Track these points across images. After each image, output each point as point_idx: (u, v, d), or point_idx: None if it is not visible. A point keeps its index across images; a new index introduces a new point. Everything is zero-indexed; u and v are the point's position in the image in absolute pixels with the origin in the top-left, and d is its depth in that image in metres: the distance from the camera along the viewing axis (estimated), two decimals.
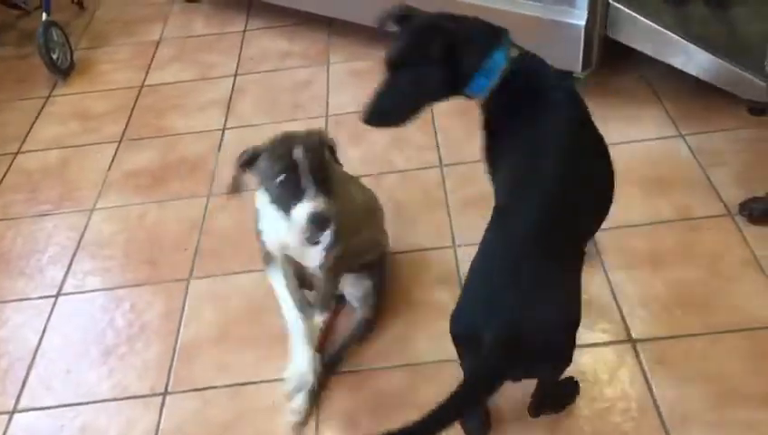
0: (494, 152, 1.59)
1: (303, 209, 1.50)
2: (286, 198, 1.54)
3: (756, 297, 1.85)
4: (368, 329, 1.91)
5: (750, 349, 1.73)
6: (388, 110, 1.57)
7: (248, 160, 1.62)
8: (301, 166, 1.51)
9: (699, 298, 1.86)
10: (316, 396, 1.77)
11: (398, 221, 2.15)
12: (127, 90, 2.99)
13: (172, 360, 1.94)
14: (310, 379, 1.75)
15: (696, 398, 1.66)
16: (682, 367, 1.72)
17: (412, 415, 1.25)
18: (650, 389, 1.69)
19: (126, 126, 2.80)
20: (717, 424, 1.61)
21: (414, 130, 2.52)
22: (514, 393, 1.63)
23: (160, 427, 1.79)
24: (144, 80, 3.04)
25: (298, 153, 1.52)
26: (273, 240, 1.73)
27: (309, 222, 1.50)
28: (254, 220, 1.77)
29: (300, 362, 1.76)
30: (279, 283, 1.78)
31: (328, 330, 1.93)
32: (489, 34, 1.54)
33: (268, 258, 1.78)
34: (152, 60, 3.15)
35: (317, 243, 1.60)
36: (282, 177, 1.52)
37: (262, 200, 1.68)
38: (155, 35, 3.31)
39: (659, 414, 1.64)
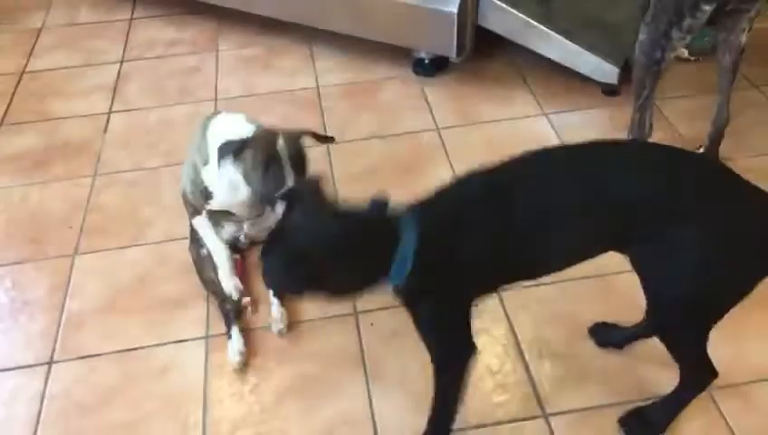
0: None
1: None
2: (271, 187, 1.73)
3: None
4: None
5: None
6: None
7: (236, 151, 1.76)
8: (283, 157, 1.72)
9: None
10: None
11: None
12: (6, 76, 2.93)
13: (57, 331, 1.94)
14: (234, 298, 1.91)
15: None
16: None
17: None
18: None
19: (5, 112, 2.74)
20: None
21: (302, 112, 2.63)
22: None
23: (46, 393, 1.79)
24: (25, 66, 2.98)
25: (281, 145, 1.73)
26: (220, 206, 1.95)
27: None
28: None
29: (227, 285, 1.93)
30: (206, 225, 1.99)
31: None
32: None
33: (196, 213, 1.99)
34: (34, 47, 3.10)
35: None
36: (266, 167, 1.73)
37: (221, 175, 1.85)
38: (37, 23, 3.25)
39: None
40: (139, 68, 2.94)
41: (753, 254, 1.34)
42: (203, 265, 2.00)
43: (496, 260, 1.40)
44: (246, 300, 1.93)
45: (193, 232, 2.06)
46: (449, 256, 1.37)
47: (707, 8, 1.88)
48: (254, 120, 1.95)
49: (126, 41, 3.10)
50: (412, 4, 2.61)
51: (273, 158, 1.75)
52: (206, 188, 1.95)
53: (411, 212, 1.38)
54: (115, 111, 2.72)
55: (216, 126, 1.95)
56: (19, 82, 2.89)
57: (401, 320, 1.88)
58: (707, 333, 1.45)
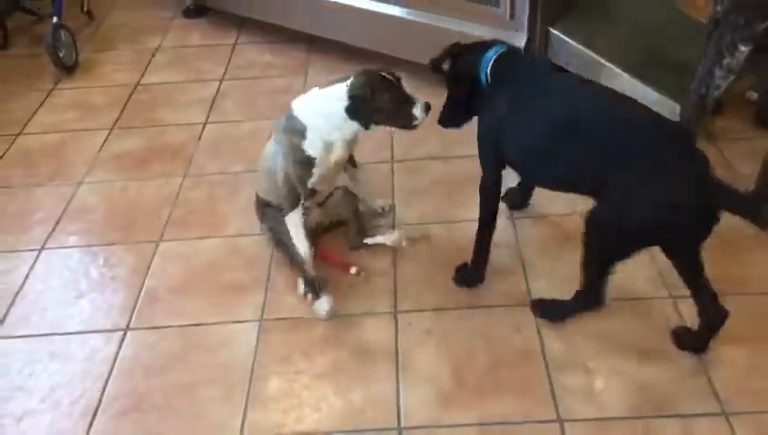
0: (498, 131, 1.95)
1: (420, 107, 2.03)
2: (402, 106, 2.04)
3: None
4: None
5: None
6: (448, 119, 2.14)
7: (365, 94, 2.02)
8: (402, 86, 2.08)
9: None
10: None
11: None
12: (123, 87, 3.32)
13: (135, 304, 2.21)
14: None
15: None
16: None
17: None
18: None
19: (119, 116, 3.12)
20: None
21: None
22: None
23: (119, 355, 2.05)
24: (139, 80, 3.37)
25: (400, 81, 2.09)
26: (324, 157, 2.12)
27: (425, 111, 2.03)
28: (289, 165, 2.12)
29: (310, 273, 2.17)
30: (297, 222, 2.16)
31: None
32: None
33: (296, 202, 2.16)
34: (149, 64, 3.49)
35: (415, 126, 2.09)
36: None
37: (317, 134, 2.09)
38: (154, 44, 3.66)
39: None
40: (235, 86, 3.26)
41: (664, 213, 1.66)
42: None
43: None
44: (355, 269, 2.22)
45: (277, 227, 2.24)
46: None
47: (744, 49, 1.96)
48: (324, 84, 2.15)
49: (228, 62, 3.44)
50: (476, 35, 2.78)
51: (397, 86, 2.06)
52: (308, 157, 2.08)
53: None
54: (210, 122, 3.03)
55: (301, 107, 2.13)
56: (132, 93, 3.27)
57: (437, 322, 2.05)
58: (605, 266, 1.81)
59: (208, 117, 3.06)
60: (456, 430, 1.79)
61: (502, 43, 2.02)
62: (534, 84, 1.91)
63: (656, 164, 1.66)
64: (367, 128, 2.06)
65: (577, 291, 1.92)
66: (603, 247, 1.80)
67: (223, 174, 2.72)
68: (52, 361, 2.06)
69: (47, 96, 3.30)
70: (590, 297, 1.90)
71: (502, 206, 2.42)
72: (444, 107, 2.15)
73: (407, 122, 2.05)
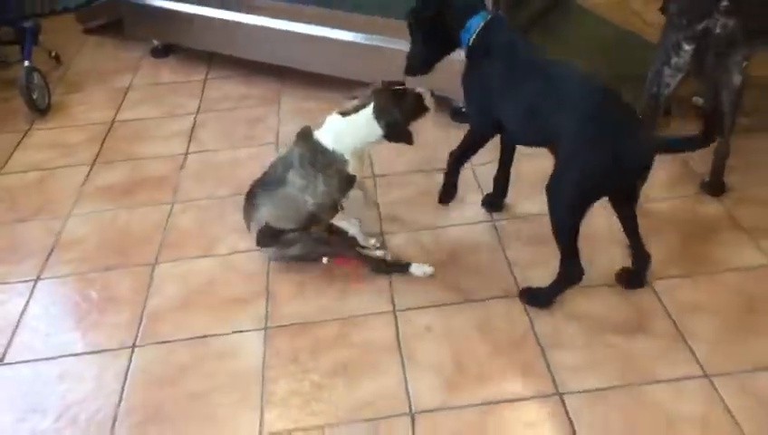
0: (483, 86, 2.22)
1: (427, 96, 2.29)
2: (418, 105, 2.28)
3: None
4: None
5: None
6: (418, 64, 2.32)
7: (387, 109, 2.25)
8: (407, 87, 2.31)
9: None
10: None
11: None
12: (100, 125, 3.39)
13: (140, 322, 2.27)
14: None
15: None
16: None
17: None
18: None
19: (98, 152, 3.18)
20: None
21: None
22: None
23: (130, 370, 2.11)
24: (115, 117, 3.45)
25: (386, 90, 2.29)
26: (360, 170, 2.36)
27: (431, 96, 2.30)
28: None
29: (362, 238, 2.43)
30: (344, 219, 2.42)
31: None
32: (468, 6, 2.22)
33: (336, 210, 2.37)
34: (122, 101, 3.57)
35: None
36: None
37: (356, 157, 2.31)
38: (125, 83, 3.74)
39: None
40: (212, 118, 3.37)
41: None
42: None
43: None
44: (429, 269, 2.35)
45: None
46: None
47: (687, 48, 2.20)
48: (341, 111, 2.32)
49: (201, 96, 3.55)
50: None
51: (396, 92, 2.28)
52: (352, 177, 2.31)
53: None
54: (191, 153, 3.12)
55: (335, 140, 2.28)
56: (110, 130, 3.35)
57: (435, 317, 2.18)
58: (574, 225, 2.02)
59: (188, 148, 3.15)
60: (464, 410, 1.90)
61: (483, 8, 2.25)
62: (517, 58, 2.16)
63: (602, 118, 1.95)
64: (409, 143, 2.30)
65: (559, 269, 2.10)
66: (567, 204, 2.02)
67: (210, 199, 2.81)
68: (63, 382, 2.10)
69: (23, 137, 3.34)
70: (571, 268, 2.08)
71: (482, 210, 2.59)
72: (412, 57, 2.33)
73: (422, 114, 2.30)
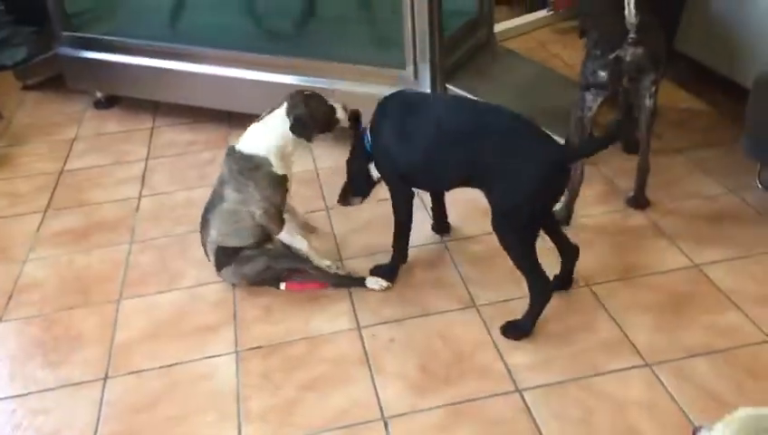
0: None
1: (340, 108, 2.47)
2: (329, 114, 2.45)
3: None
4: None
5: None
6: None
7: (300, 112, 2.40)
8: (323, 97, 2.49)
9: None
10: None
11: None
12: (48, 175, 3.42)
13: (109, 355, 2.31)
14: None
15: None
16: None
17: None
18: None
19: (50, 200, 3.21)
20: None
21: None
22: None
23: (104, 401, 2.15)
24: (63, 167, 3.49)
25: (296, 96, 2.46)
26: (289, 170, 2.49)
27: (344, 111, 2.47)
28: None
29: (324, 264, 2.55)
30: (292, 232, 2.53)
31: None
32: None
33: (282, 220, 2.49)
34: (69, 152, 3.62)
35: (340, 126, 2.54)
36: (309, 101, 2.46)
37: (278, 156, 2.43)
38: (71, 134, 3.79)
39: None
40: (162, 163, 3.46)
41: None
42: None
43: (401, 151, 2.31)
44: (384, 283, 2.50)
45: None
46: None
47: (603, 74, 2.48)
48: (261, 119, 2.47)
49: (149, 143, 3.64)
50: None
51: (311, 95, 2.45)
52: (281, 177, 2.43)
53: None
54: (144, 196, 3.20)
55: (252, 145, 2.43)
56: (59, 179, 3.38)
57: (398, 330, 2.31)
58: (531, 244, 2.16)
59: (141, 192, 3.23)
60: (432, 411, 2.03)
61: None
62: (404, 115, 2.32)
63: (528, 145, 2.12)
64: (309, 141, 2.43)
65: (530, 294, 2.23)
66: (519, 228, 2.15)
67: (168, 236, 2.89)
68: (35, 416, 2.12)
69: None
70: (541, 285, 2.21)
71: (431, 233, 2.77)
72: (346, 189, 2.59)
73: (333, 125, 2.46)
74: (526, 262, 2.20)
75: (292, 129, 2.38)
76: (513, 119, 2.18)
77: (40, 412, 2.13)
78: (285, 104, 2.42)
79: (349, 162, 2.54)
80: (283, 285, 2.52)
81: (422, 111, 2.32)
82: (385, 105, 2.37)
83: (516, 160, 2.10)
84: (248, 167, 2.40)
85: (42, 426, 2.08)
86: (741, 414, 1.39)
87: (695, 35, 3.48)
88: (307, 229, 2.74)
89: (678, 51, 3.52)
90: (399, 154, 2.32)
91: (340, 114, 2.45)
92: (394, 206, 2.47)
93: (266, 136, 2.42)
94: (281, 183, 2.44)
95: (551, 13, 4.75)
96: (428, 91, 3.13)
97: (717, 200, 2.86)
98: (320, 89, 2.89)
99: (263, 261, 2.45)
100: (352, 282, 2.50)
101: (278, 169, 2.42)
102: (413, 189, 2.45)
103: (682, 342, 2.20)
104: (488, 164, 2.13)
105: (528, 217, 2.15)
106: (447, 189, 2.54)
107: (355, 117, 2.48)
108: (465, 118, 2.24)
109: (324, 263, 2.54)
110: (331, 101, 2.46)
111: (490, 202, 2.18)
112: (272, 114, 2.43)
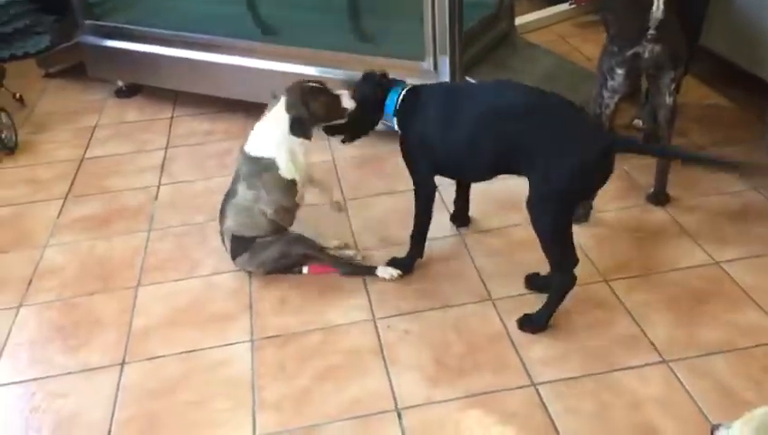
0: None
1: (346, 97, 2.38)
2: (333, 104, 2.38)
3: None
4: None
5: None
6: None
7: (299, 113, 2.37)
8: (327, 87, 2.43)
9: None
10: None
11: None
12: (69, 162, 3.46)
13: (127, 341, 2.34)
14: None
15: None
16: None
17: None
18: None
19: (70, 187, 3.25)
20: None
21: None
22: None
23: (120, 385, 2.17)
24: (84, 154, 3.52)
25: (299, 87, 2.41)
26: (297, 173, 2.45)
27: (352, 99, 2.39)
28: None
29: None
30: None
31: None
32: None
33: (293, 219, 2.53)
34: (90, 140, 3.65)
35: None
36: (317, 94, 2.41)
37: (285, 158, 2.41)
38: (92, 122, 3.82)
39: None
40: (181, 152, 3.48)
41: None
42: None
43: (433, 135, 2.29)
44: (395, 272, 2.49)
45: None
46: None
47: (620, 71, 2.45)
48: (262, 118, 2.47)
49: (169, 133, 3.66)
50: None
51: (312, 88, 2.38)
52: (290, 181, 2.41)
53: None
54: (164, 184, 3.22)
55: (258, 146, 2.43)
56: (80, 166, 3.42)
57: (413, 323, 2.31)
58: (565, 230, 2.14)
59: (161, 180, 3.25)
60: (446, 404, 2.03)
61: (400, 82, 2.42)
62: (449, 101, 2.29)
63: (577, 129, 2.11)
64: (309, 139, 2.40)
65: (551, 283, 2.23)
66: (555, 212, 2.12)
67: (187, 225, 2.91)
68: (54, 400, 2.15)
69: None
70: (563, 278, 2.19)
71: (449, 225, 2.77)
72: (347, 132, 2.52)
73: (342, 114, 2.38)
74: (556, 248, 2.18)
75: (291, 130, 2.36)
76: (564, 103, 2.17)
77: (59, 396, 2.16)
78: (284, 99, 2.38)
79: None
80: (305, 269, 2.53)
81: (470, 94, 2.33)
82: (419, 93, 2.35)
83: (564, 144, 2.08)
84: (257, 169, 2.42)
85: (60, 409, 2.11)
86: (759, 412, 1.38)
87: (718, 31, 3.43)
88: (335, 208, 2.69)
89: (702, 46, 3.47)
90: (442, 140, 2.28)
91: (347, 103, 2.36)
92: (416, 201, 2.45)
93: (269, 136, 2.41)
94: (289, 187, 2.43)
95: (572, 6, 4.72)
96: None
97: (739, 197, 2.83)
98: (337, 80, 2.91)
99: (278, 248, 2.46)
100: (363, 270, 2.51)
101: (286, 171, 2.40)
102: (437, 185, 2.43)
103: (700, 339, 2.18)
104: (535, 146, 2.10)
105: (567, 202, 2.14)
106: (482, 178, 2.47)
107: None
108: (515, 98, 2.22)
109: (333, 243, 2.60)
110: (338, 90, 2.39)
111: (531, 184, 2.14)
112: (273, 111, 2.41)
